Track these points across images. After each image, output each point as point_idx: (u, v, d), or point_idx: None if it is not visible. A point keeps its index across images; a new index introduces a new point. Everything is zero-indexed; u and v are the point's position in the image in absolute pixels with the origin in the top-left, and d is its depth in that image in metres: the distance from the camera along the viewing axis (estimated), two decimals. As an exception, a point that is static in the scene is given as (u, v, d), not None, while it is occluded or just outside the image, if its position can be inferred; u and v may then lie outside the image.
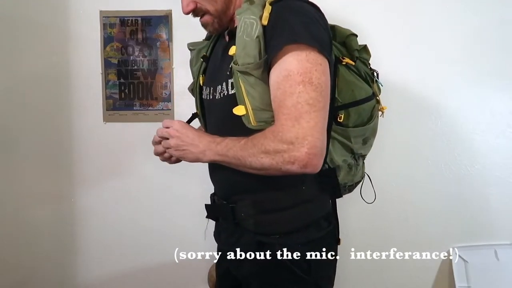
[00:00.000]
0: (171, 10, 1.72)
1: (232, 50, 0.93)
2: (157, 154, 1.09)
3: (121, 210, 1.79)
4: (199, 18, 1.04)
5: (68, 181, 1.78)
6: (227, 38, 1.06)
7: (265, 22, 0.89)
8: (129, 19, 1.74)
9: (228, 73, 0.97)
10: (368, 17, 1.66)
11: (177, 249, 1.78)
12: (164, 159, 1.09)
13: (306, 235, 0.99)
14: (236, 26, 0.94)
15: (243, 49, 0.90)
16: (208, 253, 1.73)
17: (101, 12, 1.73)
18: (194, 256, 1.77)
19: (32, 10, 1.73)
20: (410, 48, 1.68)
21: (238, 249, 1.03)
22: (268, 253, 0.98)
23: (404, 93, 1.68)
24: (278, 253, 0.97)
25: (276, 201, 0.99)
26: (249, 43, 0.90)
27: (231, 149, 0.91)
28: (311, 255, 0.98)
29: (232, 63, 0.93)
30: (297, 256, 0.97)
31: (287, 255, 0.97)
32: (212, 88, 1.06)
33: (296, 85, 0.85)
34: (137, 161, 1.78)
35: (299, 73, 0.85)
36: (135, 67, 1.75)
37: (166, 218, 1.79)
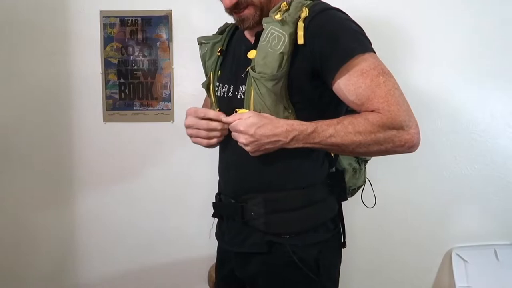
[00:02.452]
0: (171, 10, 1.72)
1: (252, 54, 0.94)
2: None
3: (121, 210, 1.79)
4: (235, 13, 1.00)
5: (68, 181, 1.78)
6: (252, 39, 1.04)
7: (300, 41, 0.90)
8: (129, 19, 1.74)
9: (243, 76, 0.97)
10: (368, 18, 1.66)
11: (177, 249, 1.79)
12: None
13: (315, 236, 1.00)
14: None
15: (263, 59, 0.91)
16: (208, 253, 1.72)
17: (101, 12, 1.73)
18: (194, 256, 1.78)
19: (32, 10, 1.73)
20: (409, 48, 1.68)
21: (245, 249, 1.02)
22: (278, 253, 0.98)
23: (404, 93, 1.67)
24: (289, 253, 0.97)
25: (287, 201, 0.99)
26: (271, 55, 0.90)
27: (326, 138, 0.88)
28: (320, 256, 0.99)
29: (249, 68, 0.94)
30: (307, 257, 0.98)
31: (298, 256, 0.97)
32: (232, 87, 1.05)
33: (376, 78, 0.87)
34: (137, 161, 1.78)
35: (371, 68, 0.88)
36: (135, 67, 1.75)
37: (166, 218, 1.79)
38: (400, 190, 1.72)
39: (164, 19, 1.73)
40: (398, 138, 0.87)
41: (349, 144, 0.87)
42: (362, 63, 0.88)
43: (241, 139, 0.91)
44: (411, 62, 1.68)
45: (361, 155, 0.96)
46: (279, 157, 0.94)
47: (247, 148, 0.92)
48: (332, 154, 1.03)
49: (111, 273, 1.81)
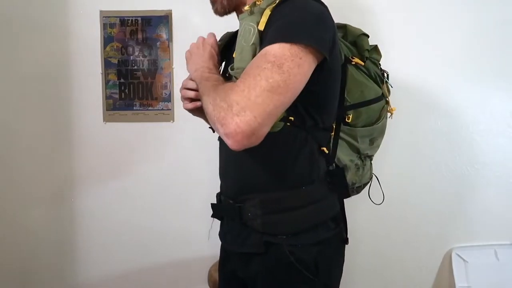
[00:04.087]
0: (171, 10, 1.72)
1: (235, 53, 0.95)
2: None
3: (120, 210, 1.79)
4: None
5: (68, 181, 1.78)
6: None
7: (261, 27, 0.89)
8: (129, 19, 1.74)
9: (227, 75, 0.97)
10: (367, 17, 1.67)
11: (176, 249, 1.79)
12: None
13: (314, 235, 0.98)
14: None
15: (240, 54, 0.91)
16: (208, 253, 1.73)
17: (101, 12, 1.73)
18: (194, 256, 1.78)
19: (32, 10, 1.73)
20: (410, 49, 1.68)
21: (245, 249, 1.02)
22: (276, 253, 0.98)
23: (404, 93, 1.67)
24: (286, 253, 0.96)
25: (284, 201, 0.98)
26: (246, 49, 0.90)
27: (205, 85, 0.93)
28: (320, 256, 0.98)
29: (229, 67, 0.94)
30: (305, 257, 0.97)
31: (295, 256, 0.96)
32: None
33: (265, 62, 0.82)
34: (137, 161, 1.78)
35: (273, 55, 0.82)
36: (135, 67, 1.75)
37: (165, 218, 1.79)
38: (400, 190, 1.72)
39: (164, 19, 1.73)
40: (223, 114, 0.80)
41: (205, 97, 0.89)
42: (274, 47, 0.83)
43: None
44: (411, 62, 1.68)
45: (208, 115, 0.88)
46: (274, 157, 0.93)
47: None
48: (327, 151, 1.01)
49: (111, 272, 1.81)
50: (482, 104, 1.69)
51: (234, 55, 0.94)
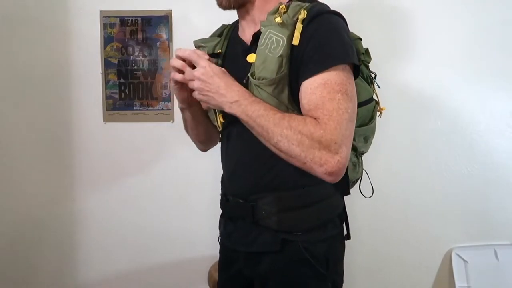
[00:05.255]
0: (171, 10, 1.72)
1: (251, 58, 0.94)
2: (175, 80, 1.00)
3: (121, 210, 1.79)
4: None
5: (68, 181, 1.78)
6: (249, 41, 1.03)
7: (296, 42, 0.90)
8: (129, 19, 1.74)
9: (244, 81, 0.96)
10: (368, 17, 1.67)
11: (177, 249, 1.79)
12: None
13: (324, 232, 1.01)
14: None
15: (263, 63, 0.91)
16: (208, 252, 1.73)
17: (101, 12, 1.73)
18: (194, 256, 1.78)
19: (33, 10, 1.73)
20: (410, 48, 1.68)
21: (256, 248, 1.02)
22: (290, 250, 0.99)
23: (404, 93, 1.68)
24: (301, 250, 0.98)
25: (298, 199, 1.00)
26: (270, 59, 0.91)
27: (262, 116, 0.88)
28: (329, 252, 1.00)
29: (249, 74, 0.94)
30: (317, 253, 0.99)
31: (310, 252, 0.98)
32: None
33: (334, 93, 0.86)
34: (137, 161, 1.78)
35: (336, 83, 0.87)
36: (135, 67, 1.76)
37: (166, 218, 1.79)
38: (400, 190, 1.72)
39: (164, 19, 1.73)
40: (319, 154, 0.85)
41: (276, 133, 0.86)
42: (332, 74, 0.87)
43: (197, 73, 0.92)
44: (411, 62, 1.68)
45: (281, 153, 0.89)
46: None
47: (196, 85, 0.93)
48: None
49: (111, 273, 1.81)
50: (481, 104, 1.69)
51: (250, 60, 0.94)
